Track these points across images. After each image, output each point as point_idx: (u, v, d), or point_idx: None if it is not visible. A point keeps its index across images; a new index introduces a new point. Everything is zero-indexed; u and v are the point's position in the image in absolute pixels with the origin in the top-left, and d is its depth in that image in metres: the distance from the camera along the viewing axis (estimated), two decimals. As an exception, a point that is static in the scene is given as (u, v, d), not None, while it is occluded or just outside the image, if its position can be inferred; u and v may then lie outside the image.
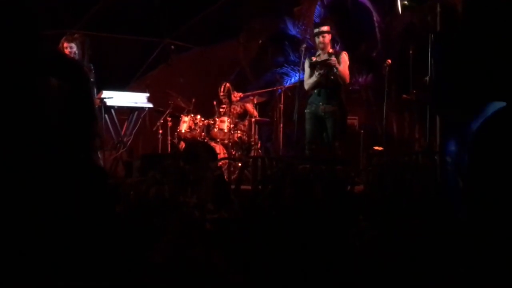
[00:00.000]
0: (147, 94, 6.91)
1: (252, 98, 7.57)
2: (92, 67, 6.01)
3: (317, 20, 8.37)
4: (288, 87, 7.89)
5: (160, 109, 7.51)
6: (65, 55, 4.42)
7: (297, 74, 7.01)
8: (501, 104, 2.49)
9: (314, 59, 6.17)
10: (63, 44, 5.90)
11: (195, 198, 3.22)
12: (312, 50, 6.59)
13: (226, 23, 9.12)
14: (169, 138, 7.57)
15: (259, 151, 7.50)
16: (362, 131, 7.26)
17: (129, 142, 6.79)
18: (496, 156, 2.45)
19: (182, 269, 2.62)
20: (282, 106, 7.52)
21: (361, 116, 7.92)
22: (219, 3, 8.88)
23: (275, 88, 7.98)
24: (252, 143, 7.31)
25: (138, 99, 6.80)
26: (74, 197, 2.02)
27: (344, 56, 6.10)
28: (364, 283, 2.54)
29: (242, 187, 4.13)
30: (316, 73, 6.03)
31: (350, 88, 7.91)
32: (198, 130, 7.26)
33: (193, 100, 7.53)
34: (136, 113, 6.85)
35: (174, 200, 3.15)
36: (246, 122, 7.47)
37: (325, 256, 2.68)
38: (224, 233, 2.98)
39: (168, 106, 7.53)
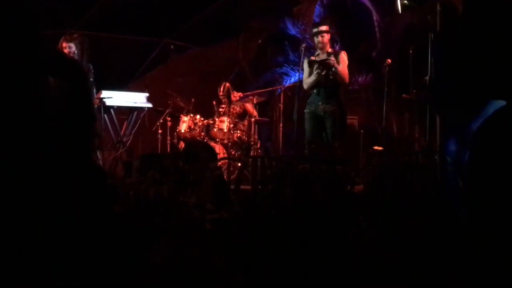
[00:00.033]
0: (147, 94, 6.91)
1: (251, 98, 7.57)
2: (91, 67, 6.00)
3: (316, 19, 8.37)
4: (288, 87, 7.90)
5: (160, 109, 7.51)
6: (65, 55, 4.42)
7: (297, 74, 7.02)
8: (501, 103, 2.49)
9: (313, 58, 6.18)
10: (62, 44, 5.89)
11: (195, 198, 3.21)
12: (311, 49, 6.59)
13: (225, 23, 9.12)
14: (168, 138, 7.57)
15: (259, 151, 7.50)
16: (362, 131, 7.26)
17: (129, 142, 6.79)
18: (496, 156, 2.45)
19: (182, 269, 2.61)
20: (281, 106, 7.52)
21: (361, 116, 7.92)
22: (219, 3, 8.87)
23: (274, 88, 7.99)
24: (252, 143, 7.31)
25: (137, 99, 6.80)
26: (73, 197, 2.01)
27: (343, 56, 6.10)
28: (364, 283, 2.53)
29: (242, 187, 4.13)
30: (315, 72, 6.03)
31: (350, 88, 7.92)
32: (198, 130, 7.25)
33: (193, 100, 7.53)
34: (135, 113, 6.84)
35: (173, 200, 3.15)
36: (246, 122, 7.46)
37: (325, 256, 2.68)
38: (224, 233, 2.98)
39: (168, 106, 7.52)
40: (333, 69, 5.95)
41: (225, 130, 7.12)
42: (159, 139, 7.49)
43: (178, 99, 7.52)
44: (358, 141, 7.04)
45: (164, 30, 8.99)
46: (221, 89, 7.39)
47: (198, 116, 7.32)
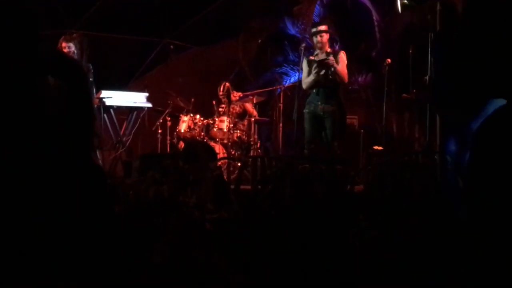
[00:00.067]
0: (146, 94, 6.90)
1: (251, 97, 7.57)
2: (91, 67, 6.00)
3: (316, 19, 8.37)
4: (288, 87, 7.90)
5: (159, 109, 7.50)
6: (64, 54, 4.41)
7: (297, 74, 7.02)
8: (502, 101, 2.49)
9: (312, 58, 6.18)
10: (61, 44, 5.89)
11: (195, 198, 3.21)
12: (311, 49, 6.60)
13: (225, 22, 9.12)
14: (168, 138, 7.57)
15: (259, 150, 7.50)
16: (362, 130, 7.26)
17: (128, 142, 6.78)
18: (497, 155, 2.45)
19: (182, 269, 2.61)
20: (281, 105, 7.53)
21: (360, 116, 7.92)
22: (219, 3, 8.88)
23: (274, 87, 7.99)
24: (252, 143, 7.31)
25: (137, 99, 6.80)
26: (73, 197, 2.01)
27: (342, 56, 6.10)
28: (364, 283, 2.53)
29: (242, 187, 4.13)
30: (314, 72, 6.03)
31: (350, 87, 7.92)
32: (198, 130, 7.25)
33: (192, 99, 7.53)
34: (135, 113, 6.84)
35: (173, 200, 3.14)
36: (246, 122, 7.46)
37: (325, 256, 2.68)
38: (223, 233, 2.97)
39: (167, 105, 7.52)
40: (332, 68, 5.95)
41: (225, 130, 7.12)
42: (159, 139, 7.49)
43: (178, 99, 7.52)
44: (358, 141, 7.03)
45: (164, 30, 8.98)
46: (221, 89, 7.39)
47: (198, 116, 7.32)
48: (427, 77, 4.89)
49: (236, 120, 7.38)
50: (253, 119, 7.47)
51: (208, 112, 7.55)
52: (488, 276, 2.32)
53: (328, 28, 6.35)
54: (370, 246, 2.78)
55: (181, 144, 7.27)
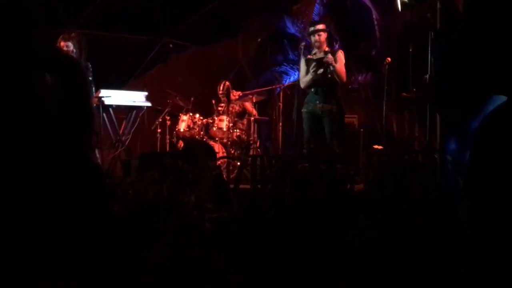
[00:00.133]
0: (146, 93, 6.89)
1: (251, 96, 7.57)
2: (90, 66, 5.99)
3: (316, 18, 8.37)
4: (287, 86, 7.89)
5: (159, 108, 7.50)
6: (61, 51, 4.40)
7: (296, 73, 7.02)
8: (502, 99, 2.48)
9: (310, 57, 6.17)
10: (60, 43, 5.89)
11: (194, 197, 3.20)
12: (311, 48, 6.59)
13: (225, 21, 9.11)
14: (167, 137, 7.56)
15: (258, 150, 7.49)
16: (362, 130, 7.25)
17: (128, 141, 6.77)
18: (496, 154, 2.44)
19: (181, 269, 2.60)
20: (281, 104, 7.52)
21: (360, 115, 7.91)
22: (218, 2, 8.87)
23: (274, 86, 7.98)
24: (251, 142, 7.30)
25: (136, 98, 6.78)
26: (72, 196, 2.00)
27: (340, 55, 6.09)
28: (364, 283, 2.53)
29: (241, 186, 4.11)
30: (312, 70, 6.02)
31: (350, 86, 7.91)
32: (197, 129, 7.24)
33: (192, 99, 7.52)
34: (134, 112, 6.83)
35: (172, 200, 3.14)
36: (245, 121, 7.45)
37: (325, 256, 2.67)
38: (223, 233, 2.97)
39: (167, 105, 7.52)
40: (331, 67, 5.94)
41: (225, 129, 7.11)
42: (158, 138, 7.49)
43: (177, 98, 7.52)
44: (358, 140, 7.03)
45: (163, 29, 8.98)
46: (221, 88, 7.38)
47: (197, 115, 7.31)
48: (427, 76, 4.88)
49: (236, 119, 7.38)
50: (252, 118, 7.46)
51: (208, 111, 7.54)
52: (488, 276, 2.31)
53: (326, 27, 6.34)
54: (370, 245, 2.77)
55: (181, 144, 7.26)
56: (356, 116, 7.76)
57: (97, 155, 5.82)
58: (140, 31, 8.95)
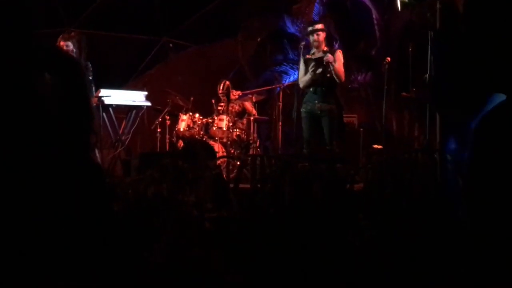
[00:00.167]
0: (145, 93, 6.88)
1: (250, 96, 7.56)
2: (90, 66, 5.99)
3: (316, 18, 8.36)
4: (287, 85, 7.88)
5: (159, 107, 7.49)
6: (60, 50, 4.39)
7: (296, 72, 7.00)
8: (501, 97, 2.48)
9: (308, 57, 6.17)
10: (59, 43, 5.88)
11: (194, 197, 3.20)
12: (310, 48, 6.59)
13: (224, 21, 9.11)
14: (167, 136, 7.55)
15: (258, 149, 7.49)
16: (362, 129, 7.25)
17: (127, 140, 6.76)
18: (496, 153, 2.44)
19: (181, 269, 2.60)
20: (281, 104, 7.52)
21: (360, 114, 7.91)
22: (218, 2, 8.86)
23: (274, 86, 7.98)
24: (251, 142, 7.30)
25: (136, 98, 6.78)
26: (71, 196, 2.00)
27: (339, 55, 6.08)
28: (364, 283, 2.52)
29: (241, 185, 4.11)
30: (310, 70, 6.02)
31: (350, 86, 7.91)
32: (197, 129, 7.24)
33: (192, 98, 7.51)
34: (134, 111, 6.82)
35: (172, 199, 3.14)
36: (245, 121, 7.45)
37: (325, 255, 2.67)
38: (223, 232, 2.97)
39: (167, 104, 7.51)
40: (331, 66, 5.94)
41: (224, 129, 7.11)
42: (158, 138, 7.48)
43: (177, 97, 7.51)
44: (357, 139, 7.03)
45: (163, 29, 8.98)
46: (221, 87, 7.38)
47: (197, 115, 7.31)
48: (426, 76, 4.87)
49: (236, 119, 7.37)
50: (252, 117, 7.46)
51: (208, 111, 7.54)
52: (488, 276, 2.31)
53: (325, 26, 6.34)
54: (370, 245, 2.77)
55: (180, 143, 7.26)
56: (356, 115, 7.75)
57: (97, 154, 5.82)
58: (140, 31, 8.95)
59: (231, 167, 6.35)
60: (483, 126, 2.51)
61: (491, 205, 2.41)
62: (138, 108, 6.80)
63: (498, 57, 2.53)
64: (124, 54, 8.84)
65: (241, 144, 7.13)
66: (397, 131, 8.06)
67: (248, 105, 7.56)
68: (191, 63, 9.12)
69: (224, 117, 7.19)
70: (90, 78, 5.92)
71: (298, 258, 2.63)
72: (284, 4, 8.87)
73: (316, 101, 6.00)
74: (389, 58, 6.56)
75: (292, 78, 8.40)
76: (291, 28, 8.87)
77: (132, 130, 6.82)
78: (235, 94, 7.38)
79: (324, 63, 5.95)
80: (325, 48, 6.16)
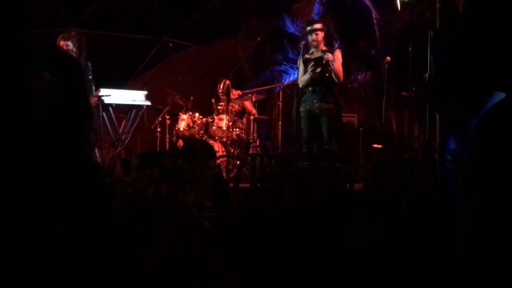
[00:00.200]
0: (145, 92, 6.88)
1: (250, 96, 7.57)
2: (90, 65, 5.98)
3: (315, 17, 8.36)
4: (287, 85, 7.89)
5: (158, 107, 7.49)
6: (60, 49, 4.38)
7: (296, 72, 7.00)
8: (501, 96, 2.48)
9: (307, 56, 6.17)
10: (59, 42, 5.87)
11: (193, 196, 3.20)
12: (309, 47, 6.59)
13: (224, 21, 9.10)
14: (167, 136, 7.55)
15: (258, 149, 7.49)
16: (361, 128, 7.25)
17: (127, 140, 6.76)
18: (496, 153, 2.44)
19: (180, 268, 2.60)
20: (280, 104, 7.52)
21: (360, 114, 7.91)
22: (218, 1, 8.86)
23: (273, 85, 7.98)
24: (251, 141, 7.30)
25: (136, 97, 6.77)
26: (71, 195, 2.00)
27: (338, 54, 6.09)
28: (364, 282, 2.52)
29: (241, 185, 4.12)
30: (309, 69, 6.02)
31: (349, 85, 7.91)
32: (197, 128, 7.24)
33: (192, 98, 7.51)
34: (134, 111, 6.82)
35: (172, 198, 3.14)
36: (245, 120, 7.45)
37: (324, 255, 2.67)
38: (222, 232, 2.97)
39: (166, 104, 7.51)
40: (331, 66, 5.94)
41: (224, 128, 7.11)
42: (158, 137, 7.48)
43: (177, 97, 7.51)
44: (357, 139, 7.03)
45: (163, 28, 8.97)
46: (221, 86, 7.37)
47: (197, 114, 7.31)
48: (426, 75, 4.88)
49: (235, 118, 7.37)
50: (252, 117, 7.46)
51: (207, 110, 7.54)
52: (488, 276, 2.31)
53: (324, 26, 6.34)
54: (369, 244, 2.77)
55: (180, 142, 7.25)
56: (355, 115, 7.75)
57: (97, 154, 5.81)
58: (140, 31, 8.94)
59: (231, 166, 6.35)
60: (482, 125, 2.51)
61: (490, 205, 2.41)
62: (138, 107, 6.80)
63: (497, 57, 2.53)
64: (124, 54, 8.83)
65: (241, 143, 7.13)
66: (397, 130, 8.06)
67: (248, 104, 7.55)
68: (191, 63, 9.12)
69: (224, 116, 7.19)
70: (90, 77, 5.92)
71: (298, 258, 2.63)
72: (284, 4, 8.88)
73: (315, 101, 6.00)
74: (389, 58, 6.56)
75: (292, 78, 8.40)
76: (291, 28, 8.87)
77: (132, 129, 6.82)
78: (235, 93, 7.38)
79: (324, 62, 5.96)
80: (324, 48, 6.16)
